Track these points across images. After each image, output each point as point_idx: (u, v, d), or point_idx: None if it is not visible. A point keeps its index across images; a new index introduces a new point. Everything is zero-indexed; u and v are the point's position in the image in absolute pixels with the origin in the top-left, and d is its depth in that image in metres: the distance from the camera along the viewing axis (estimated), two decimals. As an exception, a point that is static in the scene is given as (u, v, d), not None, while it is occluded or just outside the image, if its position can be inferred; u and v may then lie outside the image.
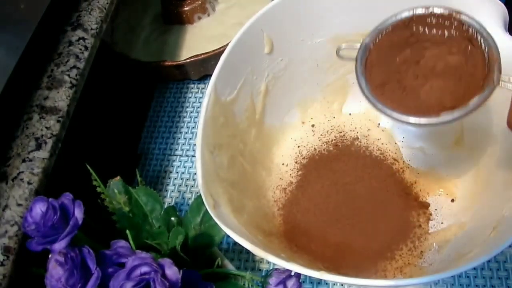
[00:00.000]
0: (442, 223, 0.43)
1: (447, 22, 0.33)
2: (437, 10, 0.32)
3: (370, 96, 0.33)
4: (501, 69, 0.30)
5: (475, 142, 0.43)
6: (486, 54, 0.31)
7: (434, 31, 0.33)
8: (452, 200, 0.44)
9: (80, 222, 0.29)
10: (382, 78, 0.33)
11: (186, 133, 0.57)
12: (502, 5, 0.37)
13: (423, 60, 0.32)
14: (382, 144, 0.49)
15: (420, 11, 0.33)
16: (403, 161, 0.47)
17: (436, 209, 0.44)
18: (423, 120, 0.31)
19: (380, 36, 0.34)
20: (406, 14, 0.33)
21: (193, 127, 0.57)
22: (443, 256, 0.39)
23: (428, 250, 0.41)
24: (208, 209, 0.33)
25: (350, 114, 0.51)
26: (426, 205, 0.44)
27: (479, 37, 0.32)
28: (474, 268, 0.43)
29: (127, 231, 0.33)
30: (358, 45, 0.34)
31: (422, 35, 0.33)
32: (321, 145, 0.50)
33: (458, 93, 0.31)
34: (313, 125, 0.51)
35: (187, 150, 0.55)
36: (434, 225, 0.43)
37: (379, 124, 0.50)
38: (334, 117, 0.51)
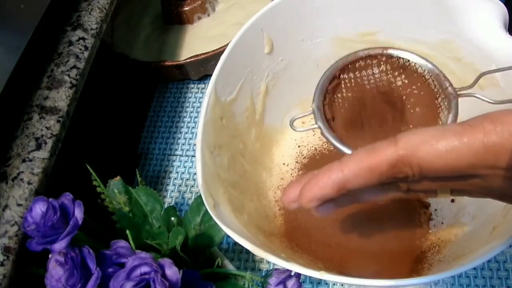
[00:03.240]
0: (442, 223, 0.43)
1: (375, 61, 0.34)
2: (362, 53, 0.33)
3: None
4: (450, 82, 0.31)
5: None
6: (429, 75, 0.32)
7: (364, 72, 0.34)
8: (452, 200, 0.44)
9: (80, 222, 0.29)
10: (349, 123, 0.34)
11: (186, 133, 0.57)
12: (502, 5, 0.37)
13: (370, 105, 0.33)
14: (382, 144, 0.49)
15: (347, 59, 0.34)
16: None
17: (436, 209, 0.44)
18: None
19: (323, 95, 0.34)
20: (335, 66, 0.34)
21: (193, 127, 0.57)
22: (443, 256, 0.39)
23: (428, 250, 0.41)
24: (208, 209, 0.33)
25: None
26: (426, 205, 0.44)
27: (412, 64, 0.33)
28: (474, 268, 0.43)
29: (127, 231, 0.33)
30: (309, 112, 0.34)
31: (355, 80, 0.34)
32: (322, 145, 0.50)
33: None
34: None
35: (187, 150, 0.55)
36: (434, 225, 0.43)
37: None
38: (334, 117, 0.51)
